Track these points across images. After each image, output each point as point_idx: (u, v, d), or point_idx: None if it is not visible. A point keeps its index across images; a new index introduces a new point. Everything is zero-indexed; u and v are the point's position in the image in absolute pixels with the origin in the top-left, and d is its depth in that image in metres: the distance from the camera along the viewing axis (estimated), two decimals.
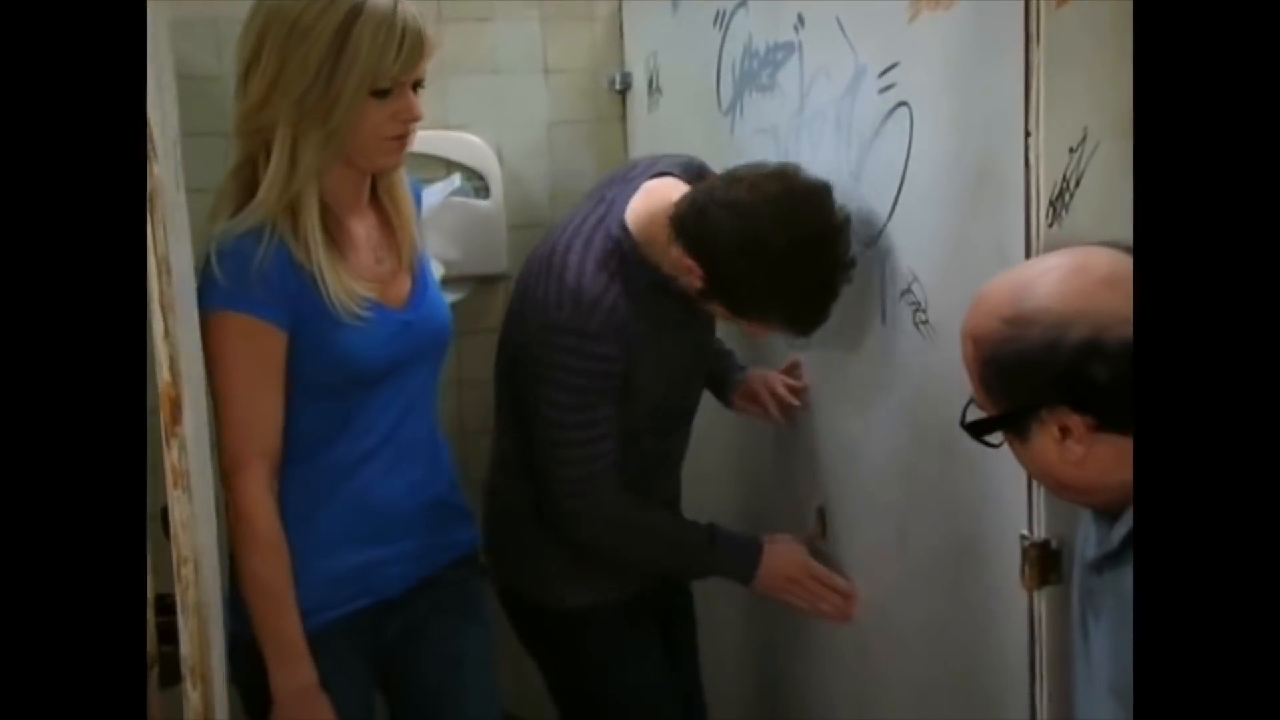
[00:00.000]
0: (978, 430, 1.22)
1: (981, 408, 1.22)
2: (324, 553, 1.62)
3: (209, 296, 1.51)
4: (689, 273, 1.65)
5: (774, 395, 1.91)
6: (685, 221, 1.64)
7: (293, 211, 1.54)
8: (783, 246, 1.57)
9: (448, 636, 1.75)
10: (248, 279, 1.51)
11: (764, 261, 1.58)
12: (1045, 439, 1.16)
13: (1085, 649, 1.21)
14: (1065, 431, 1.14)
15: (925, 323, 1.51)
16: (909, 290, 1.54)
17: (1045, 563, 1.31)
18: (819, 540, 1.85)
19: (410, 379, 1.66)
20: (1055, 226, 1.24)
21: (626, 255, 1.70)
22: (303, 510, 1.60)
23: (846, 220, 1.60)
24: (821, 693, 1.92)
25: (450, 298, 2.15)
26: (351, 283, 1.56)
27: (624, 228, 1.71)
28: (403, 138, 1.59)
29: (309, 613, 1.58)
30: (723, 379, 2.00)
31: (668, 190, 1.73)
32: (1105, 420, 1.12)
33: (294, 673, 1.55)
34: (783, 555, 1.80)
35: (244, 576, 1.56)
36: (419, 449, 1.70)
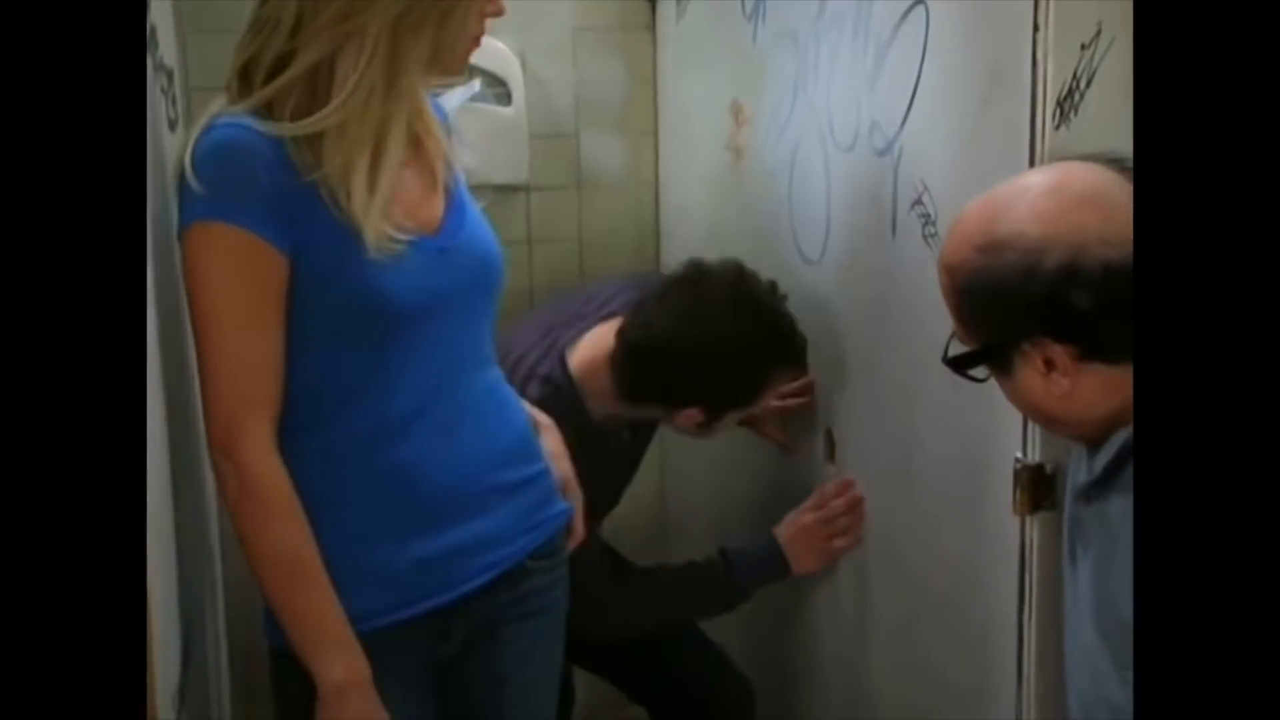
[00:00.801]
0: (959, 365, 1.16)
1: (963, 341, 1.15)
2: (359, 548, 1.28)
3: (189, 206, 1.21)
4: (688, 419, 1.69)
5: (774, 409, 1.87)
6: (639, 382, 1.67)
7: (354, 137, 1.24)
8: (726, 337, 1.62)
9: (519, 637, 1.45)
10: (241, 184, 1.21)
11: (725, 361, 1.63)
12: (1029, 372, 1.09)
13: (1074, 579, 1.15)
14: (1049, 364, 1.07)
15: (934, 235, 1.44)
16: (919, 201, 1.47)
17: (1038, 487, 1.25)
18: (826, 464, 1.80)
19: (455, 321, 1.33)
20: (1063, 129, 1.16)
21: (565, 399, 1.68)
22: (323, 493, 1.26)
23: (769, 288, 1.68)
24: (822, 623, 1.88)
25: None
26: (383, 220, 1.25)
27: (563, 367, 1.71)
28: (480, 37, 1.34)
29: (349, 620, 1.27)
30: None
31: (610, 336, 1.72)
32: (1090, 349, 1.05)
33: (337, 662, 1.24)
34: (798, 534, 1.76)
35: (257, 554, 1.23)
36: (478, 409, 1.37)
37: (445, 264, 1.31)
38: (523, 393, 1.60)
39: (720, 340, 1.63)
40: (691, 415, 1.70)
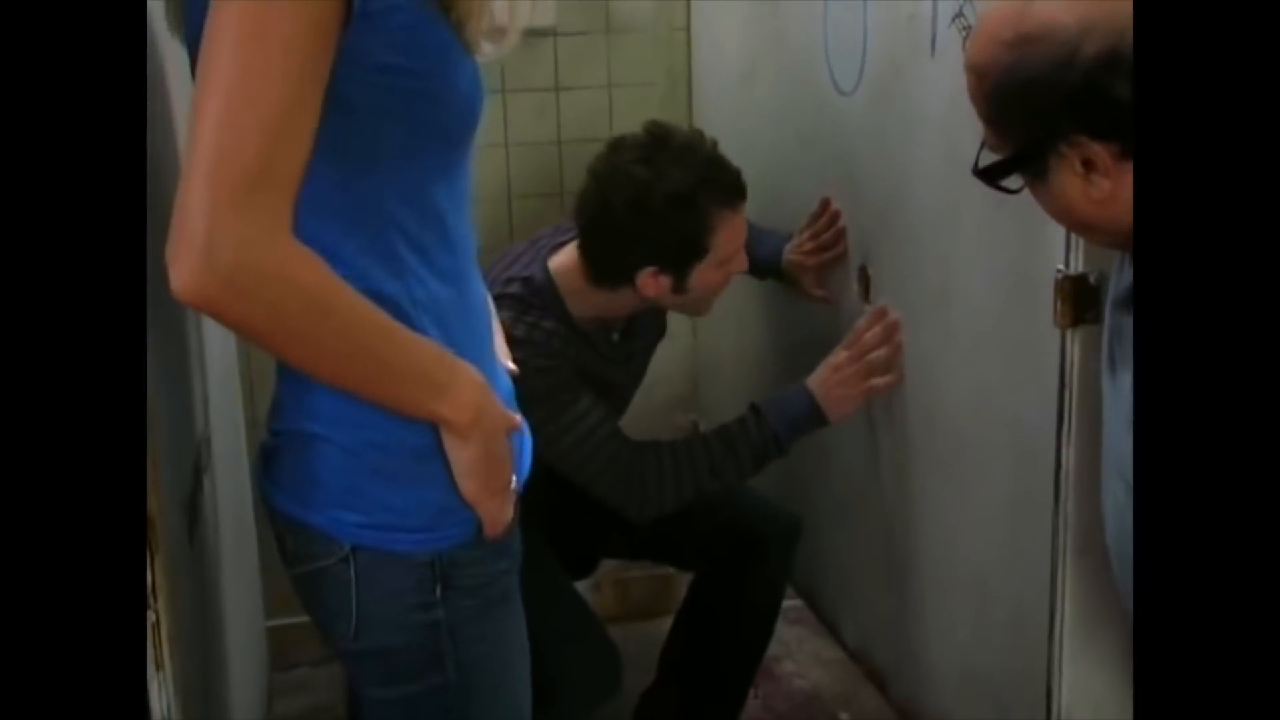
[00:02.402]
0: (991, 175, 1.10)
1: (994, 150, 1.09)
2: None
3: None
4: (653, 286, 1.66)
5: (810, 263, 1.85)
6: (595, 258, 1.67)
7: None
8: (651, 184, 1.61)
9: None
10: None
11: (657, 206, 1.61)
12: (1067, 175, 1.04)
13: (1113, 389, 1.11)
14: (1089, 165, 1.02)
15: None
16: (960, 14, 1.40)
17: (1080, 299, 1.20)
18: (861, 303, 1.75)
19: (470, 154, 1.08)
20: None
21: (543, 295, 1.69)
22: None
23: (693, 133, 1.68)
24: (859, 454, 1.85)
25: (492, 51, 2.04)
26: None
27: (544, 268, 1.70)
28: None
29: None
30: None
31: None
32: (1131, 146, 0.99)
33: (465, 383, 1.00)
34: (831, 377, 1.70)
35: (323, 346, 0.92)
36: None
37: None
38: (504, 292, 1.64)
39: (646, 188, 1.62)
40: (654, 279, 1.66)
